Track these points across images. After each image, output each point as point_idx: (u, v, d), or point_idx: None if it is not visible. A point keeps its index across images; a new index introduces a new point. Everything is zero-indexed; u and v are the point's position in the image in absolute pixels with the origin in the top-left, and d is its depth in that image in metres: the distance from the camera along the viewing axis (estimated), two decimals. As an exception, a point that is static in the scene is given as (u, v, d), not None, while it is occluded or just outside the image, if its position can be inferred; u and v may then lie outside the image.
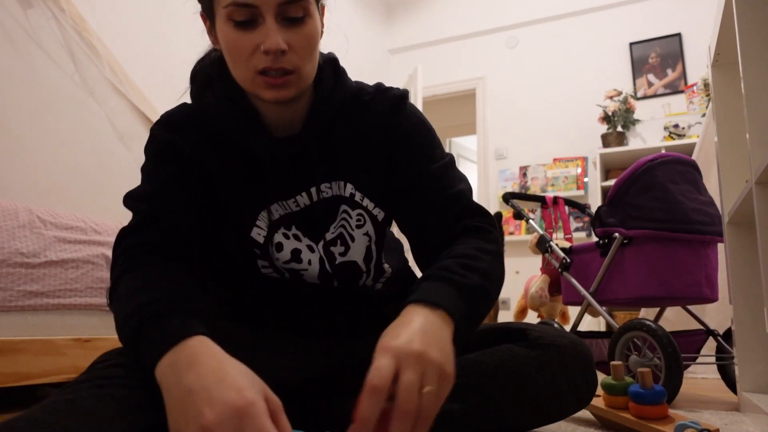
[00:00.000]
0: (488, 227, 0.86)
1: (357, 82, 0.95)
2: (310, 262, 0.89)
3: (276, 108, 0.86)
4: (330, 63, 0.93)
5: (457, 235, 0.84)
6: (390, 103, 0.93)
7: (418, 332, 0.64)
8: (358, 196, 0.91)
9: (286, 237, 0.88)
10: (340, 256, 0.90)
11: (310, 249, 0.89)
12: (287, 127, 0.89)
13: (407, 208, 0.90)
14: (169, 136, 0.86)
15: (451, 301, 0.70)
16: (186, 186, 0.85)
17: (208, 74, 0.89)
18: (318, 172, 0.89)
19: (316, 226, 0.90)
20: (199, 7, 0.86)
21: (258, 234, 0.88)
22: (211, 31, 0.85)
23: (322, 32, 0.85)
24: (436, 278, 0.73)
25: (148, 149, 0.88)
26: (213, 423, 0.54)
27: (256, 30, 0.76)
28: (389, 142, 0.91)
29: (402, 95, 0.94)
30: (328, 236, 0.89)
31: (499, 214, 2.16)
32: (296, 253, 0.88)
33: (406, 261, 1.05)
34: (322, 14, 0.86)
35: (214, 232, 0.88)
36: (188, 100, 0.92)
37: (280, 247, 0.88)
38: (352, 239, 0.90)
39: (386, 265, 0.96)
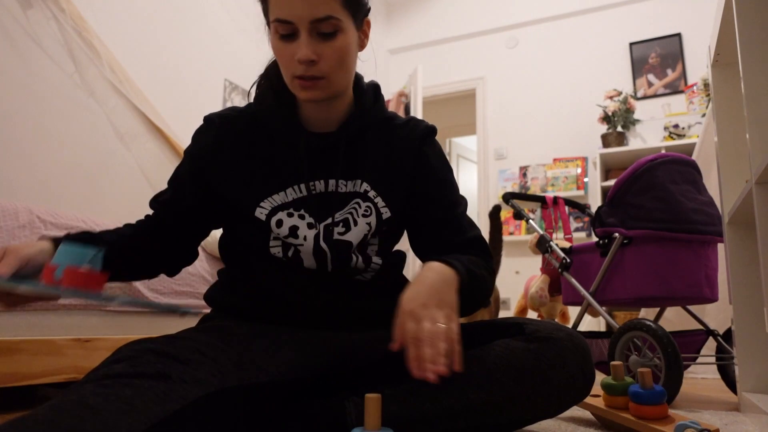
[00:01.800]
0: (487, 258, 1.00)
1: (392, 111, 1.10)
2: (305, 238, 0.95)
3: (312, 107, 0.99)
4: (373, 88, 1.08)
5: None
6: (421, 132, 1.06)
7: (431, 289, 0.81)
8: (371, 194, 0.99)
9: (290, 216, 0.96)
10: (338, 235, 0.96)
11: (310, 226, 0.95)
12: (323, 126, 1.01)
13: (422, 238, 1.05)
14: (204, 140, 1.01)
15: (460, 267, 0.86)
16: (197, 182, 1.00)
17: (272, 73, 1.03)
18: (339, 167, 0.98)
19: (324, 211, 0.97)
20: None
21: (261, 213, 0.96)
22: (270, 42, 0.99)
23: (363, 45, 1.00)
24: (440, 259, 0.88)
25: (187, 148, 1.04)
26: None
27: (294, 42, 0.89)
28: (417, 169, 1.03)
29: (433, 129, 1.08)
30: (336, 218, 0.97)
31: (497, 207, 2.19)
32: (294, 230, 0.95)
33: (400, 264, 1.10)
34: (367, 27, 0.99)
35: (224, 216, 1.02)
36: (257, 93, 1.08)
37: (279, 223, 0.95)
38: (355, 224, 0.97)
39: (377, 258, 1.01)
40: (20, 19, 2.26)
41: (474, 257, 0.96)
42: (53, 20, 2.38)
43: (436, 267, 0.84)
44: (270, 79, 1.03)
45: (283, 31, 0.89)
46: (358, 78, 1.05)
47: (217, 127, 1.01)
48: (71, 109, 2.44)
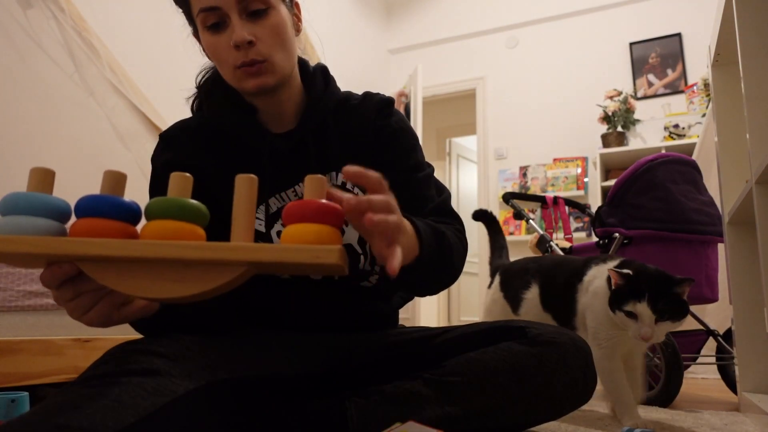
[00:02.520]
0: (456, 225, 0.94)
1: (346, 91, 1.04)
2: None
3: (266, 101, 0.94)
4: (321, 70, 1.02)
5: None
6: (377, 106, 1.00)
7: None
8: (349, 185, 0.96)
9: (268, 238, 0.93)
10: None
11: None
12: (282, 124, 0.97)
13: None
14: (165, 157, 0.95)
15: (422, 224, 0.78)
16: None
17: (214, 82, 0.98)
18: (313, 164, 0.95)
19: None
20: (190, 29, 0.95)
21: (259, 225, 0.92)
22: (203, 48, 0.94)
23: (298, 28, 0.94)
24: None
25: (152, 176, 0.96)
26: None
27: (227, 30, 0.85)
28: (377, 142, 0.98)
29: (389, 100, 1.02)
30: None
31: (479, 212, 2.01)
32: None
33: None
34: (297, 10, 0.94)
35: (216, 232, 0.90)
36: (196, 102, 1.02)
37: (280, 235, 0.91)
38: (346, 223, 0.93)
39: None
40: (20, 19, 2.26)
41: (446, 227, 0.89)
42: (53, 20, 2.38)
43: None
44: (213, 87, 0.98)
45: (212, 20, 0.85)
46: (304, 63, 1.00)
47: (180, 143, 0.96)
48: (71, 109, 2.44)
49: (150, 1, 2.86)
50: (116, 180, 0.59)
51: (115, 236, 0.55)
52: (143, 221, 0.59)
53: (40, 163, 2.26)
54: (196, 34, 0.94)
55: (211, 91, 0.98)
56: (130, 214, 0.57)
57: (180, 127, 0.99)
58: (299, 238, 0.54)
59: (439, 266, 0.83)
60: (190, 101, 1.02)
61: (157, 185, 0.95)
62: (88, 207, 0.56)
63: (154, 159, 0.97)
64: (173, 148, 0.96)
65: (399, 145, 0.99)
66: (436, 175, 1.04)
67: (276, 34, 0.87)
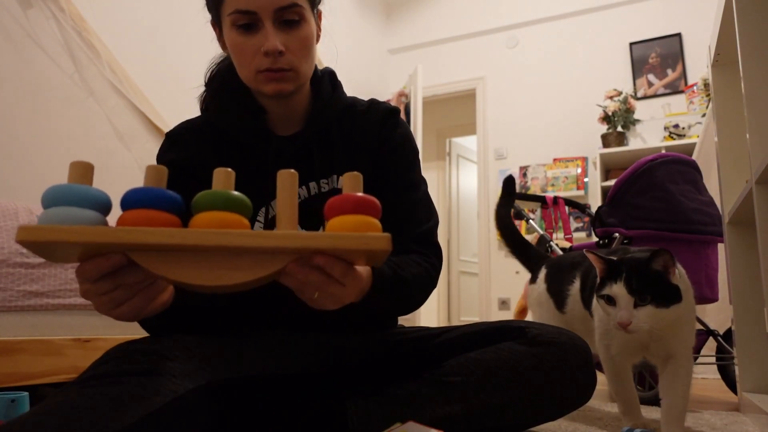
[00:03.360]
0: (433, 260, 0.96)
1: (352, 96, 1.05)
2: None
3: (278, 105, 0.94)
4: (328, 75, 1.02)
5: (405, 254, 0.94)
6: (383, 115, 1.01)
7: None
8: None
9: None
10: None
11: None
12: (288, 126, 0.97)
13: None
14: (169, 156, 0.95)
15: (385, 269, 0.81)
16: (191, 196, 0.89)
17: (223, 79, 0.97)
18: (317, 168, 0.95)
19: (312, 219, 0.93)
20: (209, 16, 0.94)
21: (258, 227, 0.93)
22: (220, 38, 0.94)
23: (318, 36, 0.94)
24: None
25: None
26: None
27: (257, 34, 0.85)
28: (379, 152, 0.98)
29: (395, 110, 1.03)
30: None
31: (511, 177, 1.87)
32: None
33: None
34: (318, 19, 0.95)
35: None
36: (203, 98, 1.02)
37: None
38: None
39: None
40: (20, 19, 2.26)
41: (412, 256, 0.92)
42: (53, 20, 2.38)
43: None
44: (222, 84, 0.97)
45: (243, 21, 0.85)
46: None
47: (186, 142, 0.96)
48: (71, 109, 2.44)
49: (150, 1, 2.86)
50: (161, 175, 0.61)
51: (163, 226, 0.57)
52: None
53: (39, 162, 2.27)
54: (215, 23, 0.94)
55: (219, 89, 0.98)
56: (175, 205, 0.59)
57: (186, 126, 0.99)
58: (344, 229, 0.58)
59: (392, 306, 0.88)
60: (199, 98, 1.03)
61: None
62: (136, 199, 0.57)
63: (160, 157, 0.97)
64: (178, 148, 0.96)
65: (399, 160, 1.00)
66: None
67: (305, 46, 0.88)
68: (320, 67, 1.05)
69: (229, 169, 0.61)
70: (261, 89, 0.89)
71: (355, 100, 1.04)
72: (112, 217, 0.58)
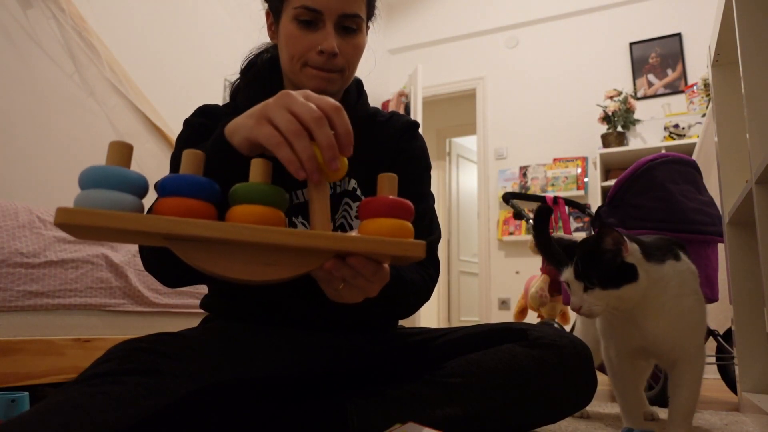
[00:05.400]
0: (431, 271, 0.98)
1: (375, 107, 1.08)
2: None
3: None
4: (356, 83, 1.06)
5: None
6: (404, 127, 1.04)
7: None
8: (359, 192, 0.98)
9: (293, 225, 0.94)
10: None
11: None
12: None
13: None
14: (200, 120, 0.96)
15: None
16: None
17: (258, 72, 0.99)
18: None
19: None
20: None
21: None
22: (272, 27, 0.96)
23: (365, 44, 0.98)
24: None
25: (181, 135, 0.96)
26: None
27: (316, 32, 0.88)
28: (395, 160, 1.01)
29: (414, 123, 1.07)
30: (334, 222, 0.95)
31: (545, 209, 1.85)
32: None
33: None
34: (367, 31, 0.99)
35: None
36: (235, 86, 1.03)
37: None
38: (351, 228, 0.96)
39: None
40: (20, 19, 2.26)
41: (413, 271, 0.92)
42: (53, 20, 2.38)
43: None
44: (256, 76, 0.99)
45: (307, 17, 0.88)
46: None
47: (216, 116, 0.97)
48: (71, 109, 2.44)
49: (150, 1, 2.86)
50: (198, 160, 0.60)
51: (200, 216, 0.56)
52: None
53: (40, 162, 2.27)
54: (271, 12, 0.95)
55: (252, 80, 1.00)
56: (213, 194, 0.58)
57: (216, 106, 1.01)
58: (380, 232, 0.59)
59: (386, 307, 0.89)
60: (231, 85, 1.04)
61: (186, 139, 0.94)
62: (175, 186, 0.57)
63: (189, 120, 0.97)
64: (208, 117, 0.97)
65: (412, 171, 1.02)
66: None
67: (356, 54, 0.93)
68: None
69: (267, 160, 0.61)
70: (303, 82, 0.91)
71: (376, 111, 1.07)
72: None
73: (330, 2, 0.86)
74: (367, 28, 0.98)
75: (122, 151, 0.57)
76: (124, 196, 0.55)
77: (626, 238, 0.98)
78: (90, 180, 0.55)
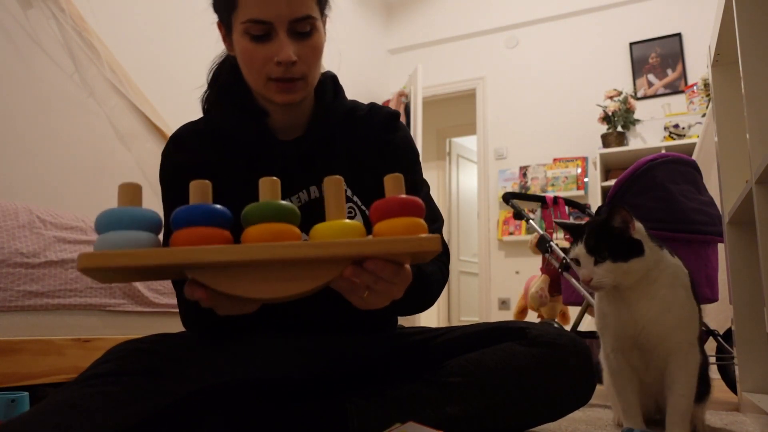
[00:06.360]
0: (443, 258, 0.98)
1: (352, 100, 1.05)
2: None
3: (282, 111, 0.94)
4: (331, 79, 1.02)
5: None
6: (384, 119, 1.01)
7: None
8: (349, 192, 0.96)
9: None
10: None
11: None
12: (291, 131, 0.97)
13: None
14: (175, 159, 0.94)
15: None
16: None
17: (226, 79, 0.98)
18: (318, 172, 0.94)
19: (313, 222, 0.91)
20: (213, 16, 0.95)
21: None
22: (226, 39, 0.93)
23: (324, 40, 0.94)
24: None
25: (161, 176, 0.96)
26: None
27: (270, 42, 0.85)
28: (380, 156, 0.99)
29: (395, 114, 1.03)
30: None
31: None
32: None
33: None
34: (324, 24, 0.94)
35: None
36: (206, 98, 1.02)
37: None
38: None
39: None
40: (20, 19, 2.26)
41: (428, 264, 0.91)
42: (53, 20, 2.38)
43: None
44: (225, 85, 0.98)
45: (257, 32, 0.85)
46: None
47: (190, 144, 0.96)
48: (71, 109, 2.44)
49: (150, 1, 2.86)
50: (205, 189, 0.61)
51: (215, 242, 0.57)
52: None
53: (40, 162, 2.26)
54: (222, 24, 0.93)
55: (222, 90, 0.98)
56: (225, 220, 0.60)
57: (189, 129, 0.99)
58: (394, 232, 0.59)
59: (412, 304, 0.88)
60: (201, 97, 1.03)
61: (170, 187, 0.94)
62: (187, 217, 0.58)
63: (165, 159, 0.97)
64: (183, 150, 0.96)
65: (401, 163, 1.00)
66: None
67: (315, 55, 0.89)
68: (322, 70, 1.05)
69: (275, 178, 0.62)
70: (270, 97, 0.90)
71: (355, 104, 1.04)
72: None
73: (277, 10, 0.83)
74: (325, 19, 0.94)
75: (132, 191, 0.58)
76: (139, 234, 0.56)
77: (632, 216, 1.05)
78: (105, 223, 0.57)
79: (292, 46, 0.85)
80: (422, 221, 0.60)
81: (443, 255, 0.98)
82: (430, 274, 0.89)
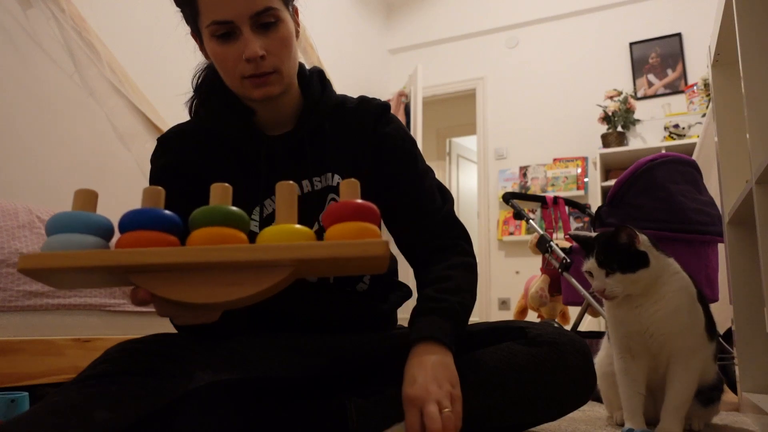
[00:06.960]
0: (462, 243, 0.99)
1: (341, 94, 1.04)
2: None
3: (266, 106, 0.94)
4: (317, 74, 1.02)
5: (436, 251, 0.96)
6: (375, 113, 1.00)
7: (429, 372, 0.77)
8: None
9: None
10: None
11: None
12: (279, 127, 0.97)
13: (396, 216, 0.99)
14: (163, 161, 0.95)
15: (444, 329, 0.84)
16: (186, 199, 0.89)
17: (211, 84, 0.98)
18: (309, 166, 0.95)
19: (307, 217, 0.93)
20: (189, 28, 0.95)
21: (254, 227, 0.92)
22: (202, 48, 0.95)
23: (297, 32, 0.93)
24: (426, 312, 0.87)
25: (150, 180, 0.96)
26: None
27: (237, 41, 0.85)
28: (378, 153, 0.98)
29: (385, 106, 1.02)
30: (321, 221, 0.92)
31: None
32: None
33: (394, 270, 1.08)
34: (295, 15, 0.94)
35: None
36: (193, 104, 1.01)
37: None
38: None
39: None
40: (20, 19, 2.26)
41: (441, 268, 0.93)
42: (53, 20, 2.38)
43: (430, 349, 0.81)
44: (210, 89, 0.98)
45: (222, 31, 0.85)
46: (301, 66, 1.00)
47: (177, 145, 0.96)
48: (71, 109, 2.44)
49: (150, 1, 2.86)
50: (157, 195, 0.61)
51: (162, 246, 0.56)
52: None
53: (40, 162, 2.26)
54: (195, 34, 0.95)
55: (208, 94, 0.98)
56: (173, 225, 0.59)
57: (176, 131, 0.99)
58: (344, 236, 0.57)
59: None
60: (188, 103, 1.02)
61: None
62: (133, 221, 0.57)
63: (153, 162, 0.97)
64: (170, 152, 0.96)
65: (401, 155, 1.00)
66: (436, 175, 1.05)
67: (285, 46, 0.88)
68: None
69: (226, 184, 0.61)
70: (248, 95, 0.90)
71: (344, 98, 1.03)
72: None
73: (235, 7, 0.83)
74: (292, 9, 0.93)
75: (86, 197, 0.58)
76: (87, 238, 0.56)
77: (637, 231, 1.12)
78: (55, 226, 0.56)
79: (258, 40, 0.85)
80: (374, 227, 0.58)
81: (461, 240, 0.99)
82: (457, 289, 0.91)
